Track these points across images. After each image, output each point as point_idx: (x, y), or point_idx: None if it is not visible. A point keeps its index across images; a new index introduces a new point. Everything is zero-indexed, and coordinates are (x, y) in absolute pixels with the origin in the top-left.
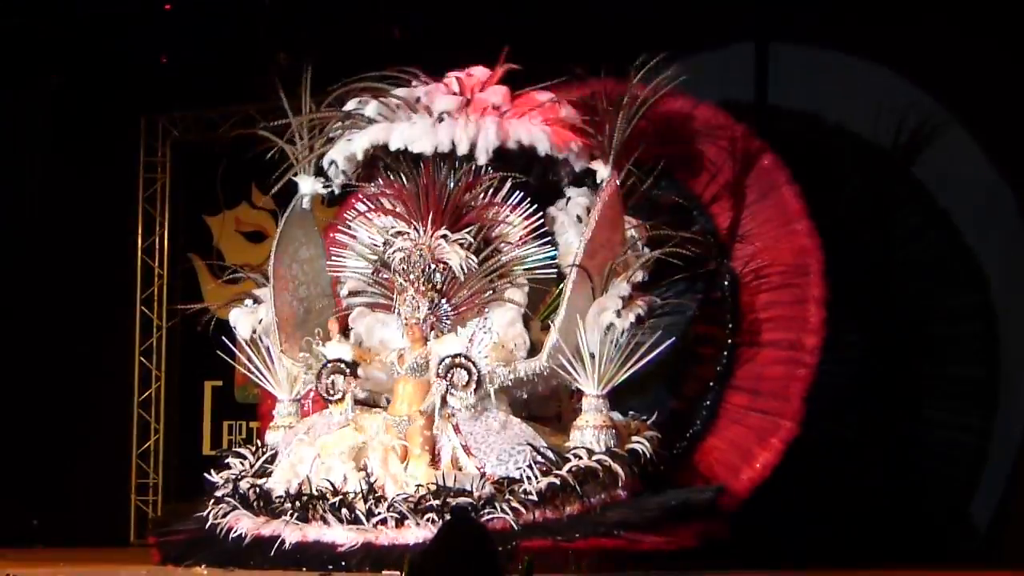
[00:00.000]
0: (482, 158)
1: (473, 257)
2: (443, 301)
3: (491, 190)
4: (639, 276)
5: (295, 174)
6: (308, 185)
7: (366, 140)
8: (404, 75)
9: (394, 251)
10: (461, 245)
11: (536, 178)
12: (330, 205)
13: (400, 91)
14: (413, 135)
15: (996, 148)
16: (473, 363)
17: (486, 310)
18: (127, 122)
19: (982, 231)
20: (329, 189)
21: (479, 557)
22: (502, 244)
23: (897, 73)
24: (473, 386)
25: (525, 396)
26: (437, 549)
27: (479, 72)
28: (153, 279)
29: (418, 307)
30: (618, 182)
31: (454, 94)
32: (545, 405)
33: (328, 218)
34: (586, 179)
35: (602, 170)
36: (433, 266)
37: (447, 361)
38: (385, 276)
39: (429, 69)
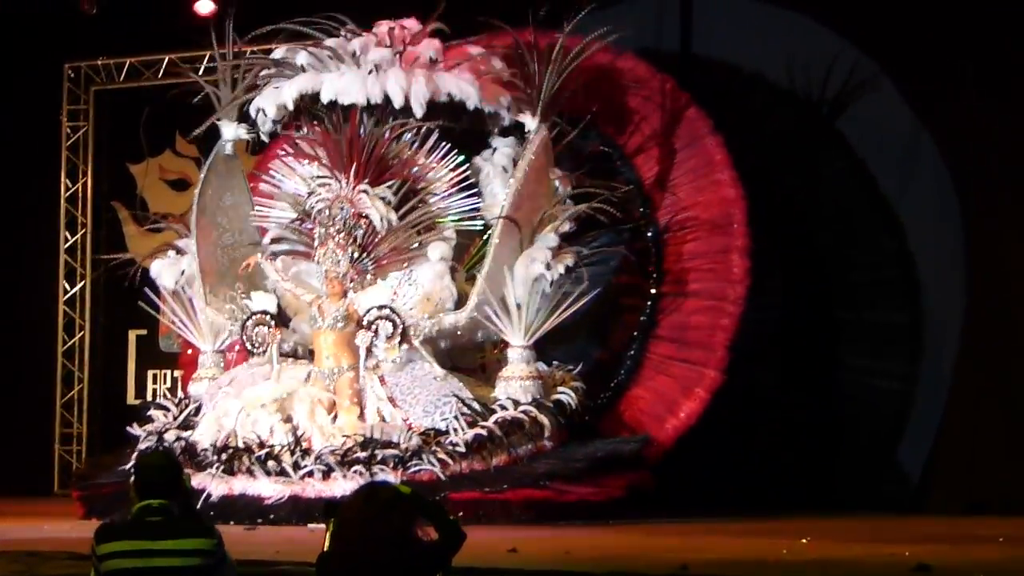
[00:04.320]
0: (418, 111)
1: (393, 213)
2: (364, 255)
3: (416, 142)
4: (566, 227)
5: (218, 119)
6: (231, 131)
7: (296, 88)
8: (332, 23)
9: (316, 201)
10: (382, 200)
11: (463, 128)
12: (254, 153)
13: (331, 41)
14: (344, 86)
15: (915, 95)
16: (398, 315)
17: (407, 265)
18: (50, 70)
19: (902, 178)
20: (253, 135)
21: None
22: (427, 195)
23: (818, 23)
24: (398, 338)
25: (446, 346)
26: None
27: (411, 24)
28: (76, 228)
29: (339, 261)
30: (546, 134)
31: (386, 46)
32: (468, 356)
33: (250, 167)
34: (513, 129)
35: (530, 122)
36: (353, 221)
37: (372, 312)
38: (307, 226)
39: (358, 16)
